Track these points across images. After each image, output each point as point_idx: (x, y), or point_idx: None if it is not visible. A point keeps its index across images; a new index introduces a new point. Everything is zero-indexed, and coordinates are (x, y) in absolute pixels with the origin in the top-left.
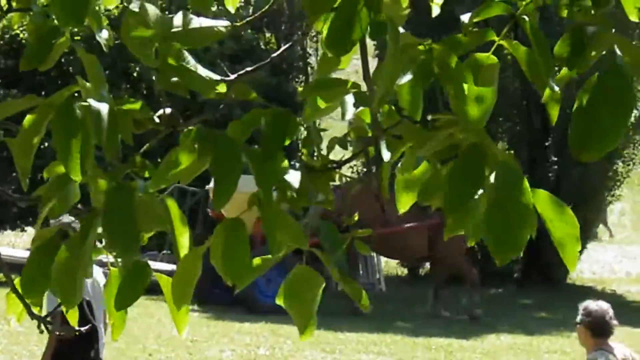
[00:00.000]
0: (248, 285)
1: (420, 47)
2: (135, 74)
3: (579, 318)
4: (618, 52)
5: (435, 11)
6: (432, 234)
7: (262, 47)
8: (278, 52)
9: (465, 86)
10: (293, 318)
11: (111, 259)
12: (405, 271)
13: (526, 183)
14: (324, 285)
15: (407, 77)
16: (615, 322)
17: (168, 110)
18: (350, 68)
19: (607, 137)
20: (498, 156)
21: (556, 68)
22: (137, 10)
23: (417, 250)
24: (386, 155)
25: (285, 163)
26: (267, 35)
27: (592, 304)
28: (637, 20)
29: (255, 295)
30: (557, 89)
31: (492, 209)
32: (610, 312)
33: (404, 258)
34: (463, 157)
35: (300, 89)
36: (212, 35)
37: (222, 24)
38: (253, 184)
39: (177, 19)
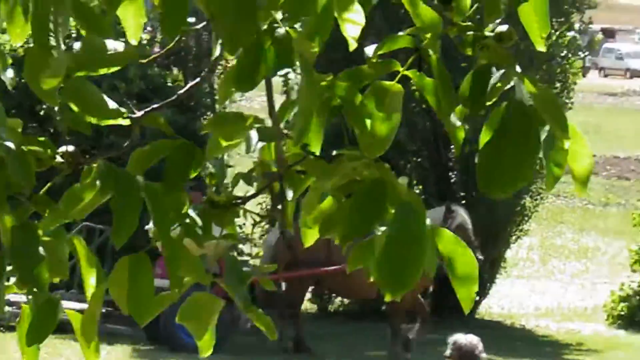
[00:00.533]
0: (171, 323)
1: (323, 83)
2: (42, 113)
3: (448, 352)
4: (522, 89)
5: (352, 46)
6: None
7: (170, 84)
8: (185, 88)
9: (368, 122)
10: (192, 333)
11: (23, 297)
12: (315, 307)
13: (425, 223)
14: (222, 306)
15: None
16: (484, 355)
17: (70, 148)
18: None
19: (514, 175)
20: (401, 194)
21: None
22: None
23: (366, 290)
24: (289, 193)
25: (188, 198)
26: (175, 72)
27: (462, 338)
28: (544, 50)
29: (177, 334)
30: (459, 123)
31: (388, 245)
32: (480, 346)
33: (356, 296)
34: (365, 191)
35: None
36: (126, 56)
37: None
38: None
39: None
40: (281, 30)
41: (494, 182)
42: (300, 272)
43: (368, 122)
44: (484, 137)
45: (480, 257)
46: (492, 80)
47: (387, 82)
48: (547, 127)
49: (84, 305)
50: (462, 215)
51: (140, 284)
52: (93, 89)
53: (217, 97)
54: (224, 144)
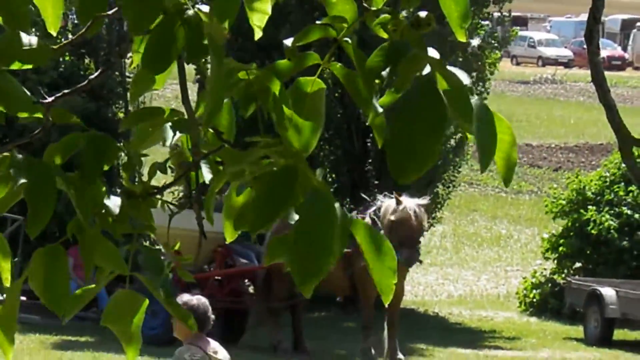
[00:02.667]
0: None
1: (242, 73)
2: None
3: None
4: (429, 71)
5: (258, 34)
6: (348, 267)
7: (82, 73)
8: (95, 74)
9: (288, 112)
10: (118, 337)
11: None
12: None
13: (336, 212)
14: (146, 304)
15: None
16: (212, 316)
17: None
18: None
19: (422, 156)
20: (312, 181)
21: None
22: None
23: (342, 286)
24: (207, 176)
25: (103, 189)
26: (87, 61)
27: (193, 299)
28: (464, 41)
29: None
30: (380, 110)
31: (298, 235)
32: (210, 308)
33: (334, 292)
34: (275, 177)
35: (120, 114)
36: (44, 53)
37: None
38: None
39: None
40: (190, 12)
41: (404, 166)
42: (225, 270)
43: (287, 111)
44: (393, 121)
45: (417, 260)
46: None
47: (308, 80)
48: (475, 102)
49: None
50: (407, 209)
51: (57, 276)
52: (12, 81)
53: (129, 87)
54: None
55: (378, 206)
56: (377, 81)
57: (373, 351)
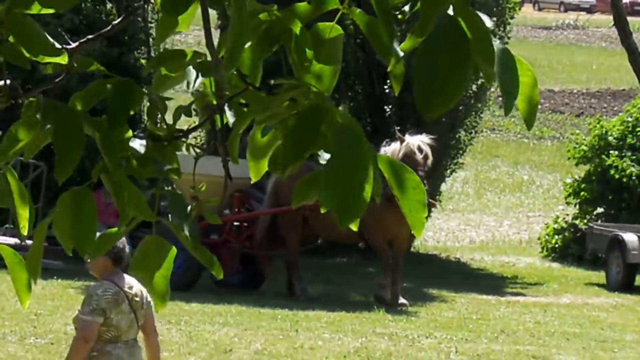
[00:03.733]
0: None
1: (263, 15)
2: None
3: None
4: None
5: None
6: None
7: (103, 19)
8: (118, 20)
9: (309, 53)
10: (145, 287)
11: None
12: None
13: (367, 144)
14: (175, 253)
15: (247, 44)
16: (128, 250)
17: (8, 82)
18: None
19: (447, 91)
20: (338, 118)
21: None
22: None
23: (352, 233)
24: (231, 119)
25: (130, 133)
26: (108, 7)
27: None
28: None
29: None
30: (401, 54)
31: (331, 171)
32: (127, 243)
33: (342, 239)
34: (301, 117)
35: (142, 60)
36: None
37: None
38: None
39: None
40: None
41: (430, 100)
42: (253, 213)
43: (309, 53)
44: (419, 58)
45: (426, 187)
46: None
47: (326, 25)
48: (497, 45)
49: (18, 240)
50: (410, 144)
51: (85, 218)
52: (34, 25)
53: (151, 32)
54: (170, 78)
55: (383, 152)
56: (399, 16)
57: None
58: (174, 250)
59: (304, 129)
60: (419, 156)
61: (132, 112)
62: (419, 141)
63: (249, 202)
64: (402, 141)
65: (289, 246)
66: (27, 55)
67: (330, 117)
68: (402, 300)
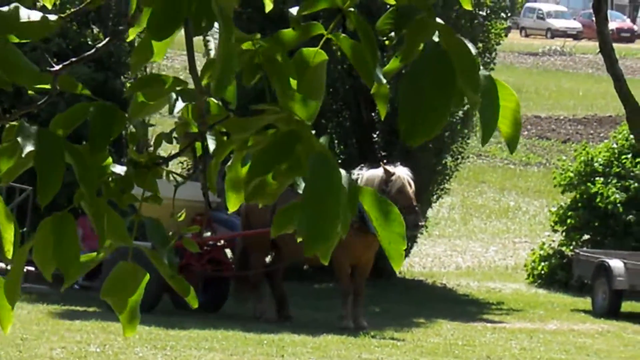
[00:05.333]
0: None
1: (247, 44)
2: None
3: None
4: (437, 39)
5: (268, 7)
6: None
7: (90, 43)
8: (103, 42)
9: (293, 82)
10: (117, 312)
11: None
12: None
13: (340, 174)
14: (147, 279)
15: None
16: None
17: None
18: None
19: (432, 120)
20: (315, 147)
21: (384, 60)
22: None
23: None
24: (212, 146)
25: (109, 159)
26: (95, 31)
27: None
28: (469, 9)
29: None
30: (384, 81)
31: (305, 199)
32: None
33: (314, 263)
34: (277, 136)
35: (128, 85)
36: (42, 28)
37: (51, 17)
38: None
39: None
40: None
41: (414, 128)
42: (221, 235)
43: (293, 82)
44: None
45: (422, 222)
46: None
47: (311, 51)
48: (480, 73)
49: (2, 265)
50: (401, 178)
51: (66, 243)
52: (16, 52)
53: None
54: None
55: (358, 176)
56: (386, 42)
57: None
58: (147, 276)
59: (277, 147)
60: (411, 190)
61: (115, 137)
62: (406, 174)
63: (211, 225)
64: (389, 174)
65: (254, 267)
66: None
67: (308, 144)
68: (364, 322)
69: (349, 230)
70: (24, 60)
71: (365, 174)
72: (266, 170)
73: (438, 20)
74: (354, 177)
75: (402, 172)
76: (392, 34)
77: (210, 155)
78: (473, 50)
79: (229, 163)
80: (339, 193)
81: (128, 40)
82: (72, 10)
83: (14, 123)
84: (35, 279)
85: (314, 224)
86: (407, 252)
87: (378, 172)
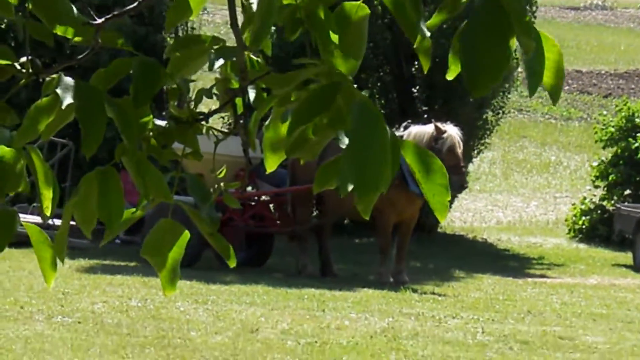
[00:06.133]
0: None
1: None
2: (2, 26)
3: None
4: None
5: None
6: None
7: None
8: None
9: (334, 36)
10: (157, 272)
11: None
12: None
13: (383, 122)
14: (188, 237)
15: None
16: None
17: (31, 57)
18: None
19: (495, 68)
20: (356, 96)
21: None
22: None
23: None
24: (252, 97)
25: (150, 115)
26: None
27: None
28: None
29: None
30: (428, 34)
31: (350, 148)
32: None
33: (354, 216)
34: (319, 88)
35: (169, 40)
36: None
37: None
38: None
39: None
40: None
41: (478, 74)
42: (263, 191)
43: (334, 37)
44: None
45: (467, 184)
46: None
47: (353, 5)
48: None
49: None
50: (452, 137)
51: (111, 196)
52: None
53: None
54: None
55: (407, 133)
56: None
57: (389, 276)
58: (187, 234)
59: (318, 97)
60: (460, 150)
61: (156, 92)
62: (457, 134)
63: (254, 180)
64: (440, 131)
65: (300, 221)
66: (52, 30)
67: (349, 95)
68: (405, 277)
69: (390, 187)
70: (70, 8)
71: (413, 130)
72: (308, 120)
73: None
74: (399, 132)
75: (453, 131)
76: None
77: (252, 112)
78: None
79: (267, 122)
80: (384, 140)
81: None
82: None
83: (54, 76)
84: (76, 234)
85: (362, 173)
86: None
87: (427, 129)
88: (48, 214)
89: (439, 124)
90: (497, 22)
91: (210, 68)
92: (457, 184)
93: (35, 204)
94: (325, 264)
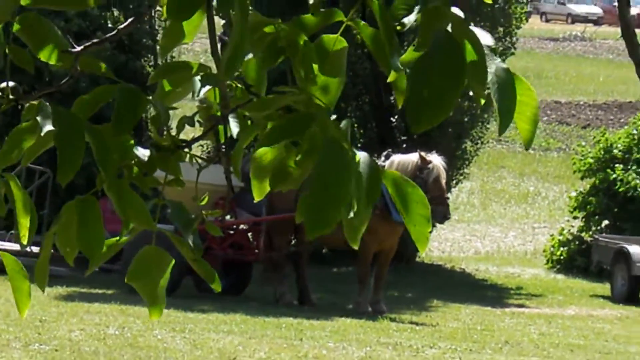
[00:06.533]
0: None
1: (269, 27)
2: None
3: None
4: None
5: None
6: None
7: (110, 25)
8: (125, 23)
9: (315, 66)
10: (142, 297)
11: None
12: None
13: (350, 161)
14: (172, 263)
15: (248, 51)
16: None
17: (11, 83)
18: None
19: (438, 107)
20: (330, 132)
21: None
22: None
23: (342, 239)
24: (235, 129)
25: (132, 141)
26: (115, 13)
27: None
28: (489, 2)
29: None
30: (401, 69)
31: (313, 182)
32: None
33: (333, 244)
34: (293, 116)
35: (149, 68)
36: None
37: None
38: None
39: None
40: None
41: (421, 110)
42: (241, 220)
43: (314, 66)
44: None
45: (449, 216)
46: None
47: (331, 37)
48: (492, 70)
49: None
50: (438, 167)
51: (91, 227)
52: (49, 25)
53: (158, 39)
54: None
55: (389, 162)
56: (398, 27)
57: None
58: (171, 260)
59: (290, 123)
60: (444, 182)
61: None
62: (441, 164)
63: (233, 208)
64: (425, 161)
65: (277, 249)
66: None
67: (324, 127)
68: (383, 307)
69: (372, 216)
70: (57, 35)
71: (396, 159)
72: (274, 142)
73: (453, 9)
74: (381, 162)
75: (438, 161)
76: (405, 20)
77: (234, 140)
78: (488, 40)
79: (253, 152)
80: (346, 181)
81: (163, 17)
82: None
83: (34, 102)
84: (55, 262)
85: (315, 209)
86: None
87: (412, 158)
88: (25, 242)
89: (423, 154)
90: (450, 63)
91: (193, 96)
92: (442, 214)
93: (12, 232)
94: (303, 293)
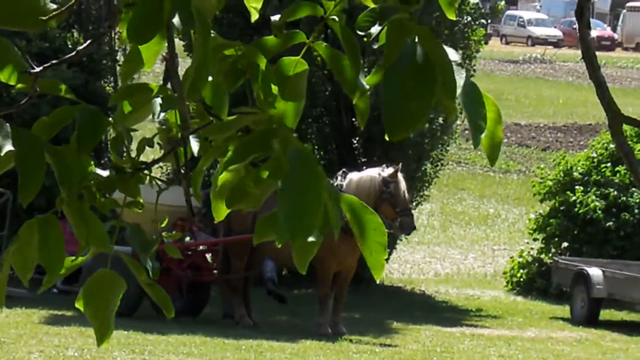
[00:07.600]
0: None
1: (229, 50)
2: None
3: None
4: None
5: (254, 17)
6: None
7: (70, 46)
8: (85, 44)
9: (274, 88)
10: (91, 322)
11: None
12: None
13: (320, 169)
14: (125, 289)
15: (210, 73)
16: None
17: None
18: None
19: (414, 114)
20: (293, 143)
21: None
22: None
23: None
24: (195, 148)
25: (92, 163)
26: (76, 35)
27: None
28: (453, 19)
29: None
30: (367, 87)
31: (285, 191)
32: None
33: (291, 265)
34: (255, 133)
35: (109, 89)
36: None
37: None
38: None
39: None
40: None
41: (396, 119)
42: (201, 241)
43: (274, 88)
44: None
45: (415, 226)
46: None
47: (292, 60)
48: (461, 83)
49: None
50: (402, 180)
51: (52, 244)
52: (9, 45)
53: (118, 60)
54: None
55: (339, 183)
56: (365, 39)
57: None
58: (124, 285)
59: (253, 140)
60: (407, 192)
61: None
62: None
63: (191, 230)
64: (392, 175)
65: (234, 271)
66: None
67: (286, 142)
68: (343, 329)
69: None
70: (17, 54)
71: (355, 176)
72: (241, 159)
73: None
74: (338, 181)
75: (399, 175)
76: (372, 29)
77: (194, 161)
78: (454, 56)
79: (214, 174)
80: (319, 186)
81: (123, 40)
82: (55, 12)
83: None
84: (14, 283)
85: (295, 217)
86: (386, 258)
87: (373, 173)
88: None
89: (388, 169)
90: (421, 71)
91: (153, 118)
92: (409, 225)
93: None
94: (247, 308)
